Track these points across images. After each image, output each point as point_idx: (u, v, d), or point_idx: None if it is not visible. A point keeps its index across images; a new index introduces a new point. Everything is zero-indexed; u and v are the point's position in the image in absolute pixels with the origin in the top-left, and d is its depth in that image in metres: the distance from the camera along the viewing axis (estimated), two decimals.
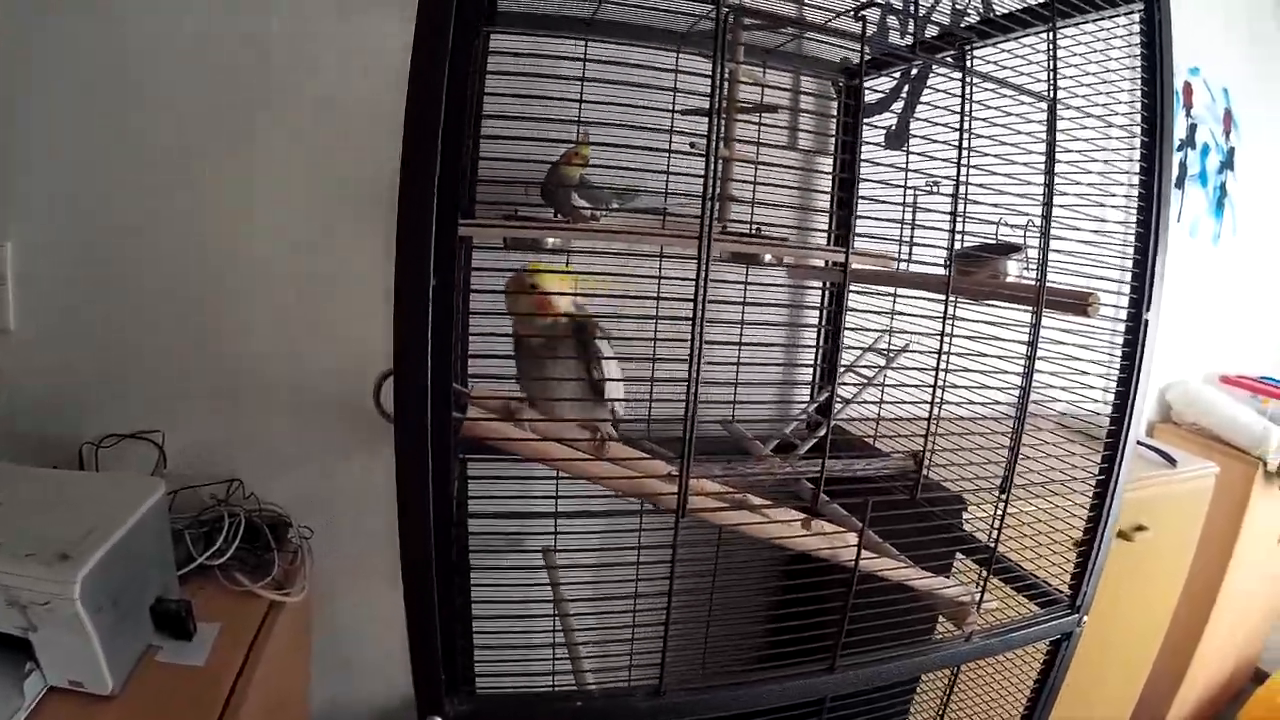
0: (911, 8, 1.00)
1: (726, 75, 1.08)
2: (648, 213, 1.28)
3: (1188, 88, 2.49)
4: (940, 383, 1.09)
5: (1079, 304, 0.99)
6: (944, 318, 0.91)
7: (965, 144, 0.94)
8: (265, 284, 1.51)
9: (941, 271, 1.20)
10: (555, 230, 1.08)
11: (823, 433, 1.23)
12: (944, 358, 1.00)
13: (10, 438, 1.39)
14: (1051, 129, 0.97)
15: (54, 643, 1.01)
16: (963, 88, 0.90)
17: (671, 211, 1.23)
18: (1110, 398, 1.20)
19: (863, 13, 0.88)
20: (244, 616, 1.24)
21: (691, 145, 1.03)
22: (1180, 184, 2.49)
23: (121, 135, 1.41)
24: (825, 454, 0.83)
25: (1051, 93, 0.97)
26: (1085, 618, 1.24)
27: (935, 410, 0.98)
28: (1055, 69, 0.98)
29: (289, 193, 1.50)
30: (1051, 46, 0.99)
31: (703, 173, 0.81)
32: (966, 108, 0.95)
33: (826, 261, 1.30)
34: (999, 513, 1.10)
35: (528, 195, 1.23)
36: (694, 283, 0.74)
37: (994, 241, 1.20)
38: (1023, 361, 1.11)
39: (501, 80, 1.19)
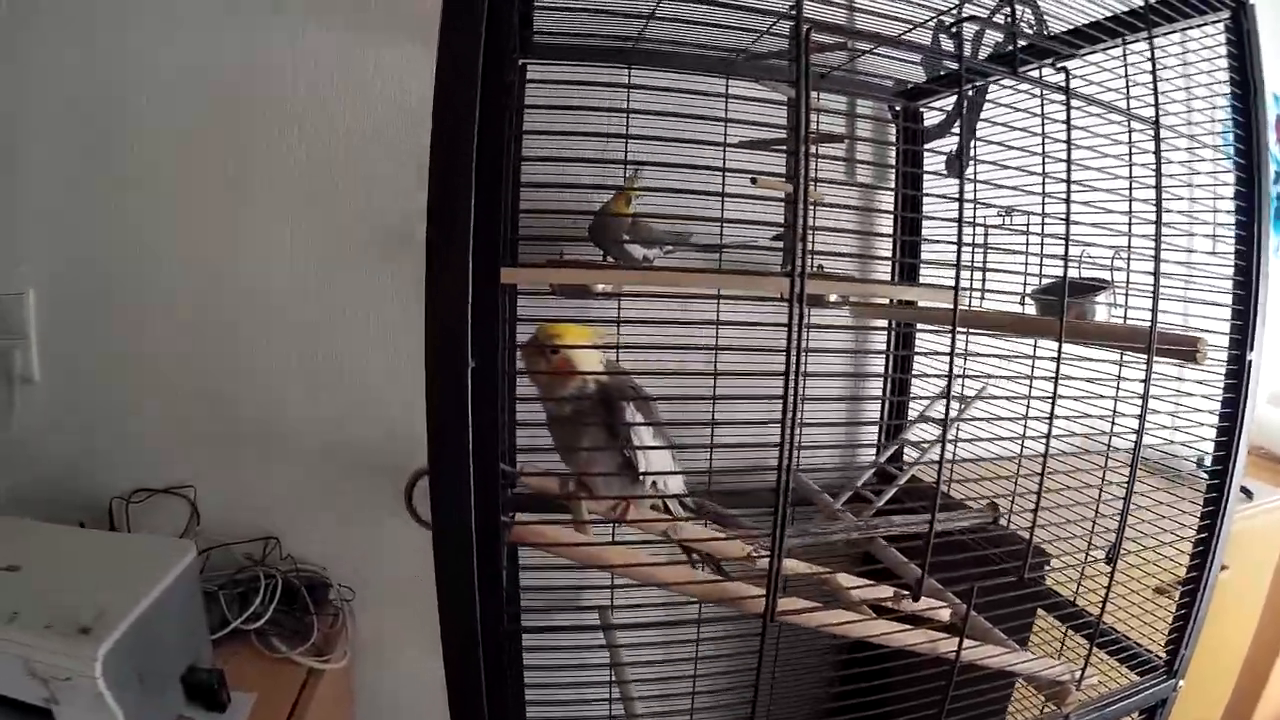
0: (1008, 20, 0.88)
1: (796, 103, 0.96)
2: (703, 254, 1.17)
3: None
4: (1030, 430, 0.97)
5: (1187, 349, 0.85)
6: (1058, 359, 0.78)
7: (1064, 172, 0.81)
8: (294, 332, 1.41)
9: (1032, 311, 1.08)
10: (609, 274, 0.96)
11: (901, 481, 1.12)
12: (1042, 405, 0.87)
13: (38, 492, 1.31)
14: (1157, 152, 0.84)
15: (77, 718, 0.92)
16: (1067, 110, 0.77)
17: (728, 254, 1.12)
18: (1183, 433, 1.07)
19: (961, 24, 0.76)
20: (281, 685, 1.15)
21: (752, 181, 0.92)
22: None
23: (135, 178, 1.33)
24: (930, 538, 0.70)
25: (1155, 113, 0.85)
26: (1182, 682, 1.09)
27: (1042, 459, 0.85)
28: (1156, 85, 0.85)
29: (313, 235, 1.40)
30: (1151, 61, 0.86)
31: (758, 211, 0.70)
32: (1061, 131, 0.83)
33: (892, 300, 1.18)
34: (1086, 577, 0.97)
35: (569, 225, 1.12)
36: (786, 329, 0.61)
37: (1076, 279, 1.07)
38: (1113, 407, 0.98)
39: (542, 115, 1.08)
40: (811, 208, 1.01)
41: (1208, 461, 1.55)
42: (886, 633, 0.75)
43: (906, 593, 0.80)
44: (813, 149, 1.02)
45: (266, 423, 1.41)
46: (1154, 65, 0.87)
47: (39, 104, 1.29)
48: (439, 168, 0.56)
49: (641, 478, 0.89)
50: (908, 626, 0.76)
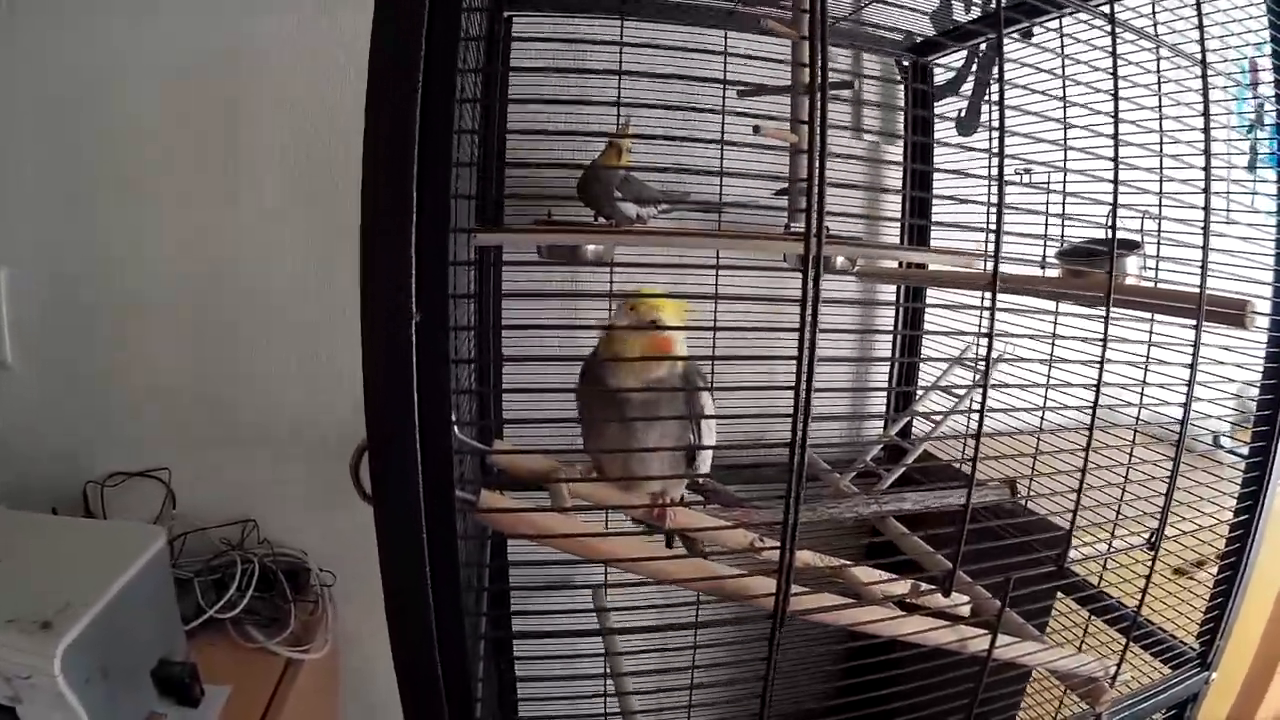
0: None
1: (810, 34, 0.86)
2: (701, 215, 1.07)
3: (1253, 64, 2.21)
4: (1051, 400, 0.87)
5: (1235, 313, 0.75)
6: (1105, 322, 0.67)
7: (1091, 121, 0.70)
8: (273, 310, 1.31)
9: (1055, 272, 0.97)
10: (599, 236, 0.84)
11: (915, 454, 1.01)
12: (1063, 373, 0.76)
13: (11, 477, 1.22)
14: (1205, 94, 0.73)
15: (41, 716, 0.83)
16: (1112, 41, 0.66)
17: (728, 214, 1.02)
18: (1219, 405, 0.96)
19: None
20: (257, 676, 1.06)
21: (755, 129, 0.81)
22: (1253, 168, 2.22)
23: (109, 157, 1.23)
24: (964, 523, 0.59)
25: (1200, 50, 0.74)
26: (1215, 674, 0.99)
27: (1088, 431, 0.73)
28: (1201, 19, 0.74)
29: (293, 218, 1.30)
30: None
31: (761, 166, 0.58)
32: (1091, 75, 0.72)
33: (902, 264, 1.08)
34: (1115, 564, 0.86)
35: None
36: (800, 300, 0.50)
37: (1104, 237, 0.96)
38: (1142, 376, 0.87)
39: (527, 67, 0.98)
40: (800, 159, 0.91)
41: (1225, 439, 1.44)
42: (917, 631, 0.64)
43: (931, 586, 0.70)
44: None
45: (246, 403, 1.31)
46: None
47: (31, 97, 1.20)
48: (377, 63, 0.45)
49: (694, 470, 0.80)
50: (942, 623, 0.66)
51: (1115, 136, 0.65)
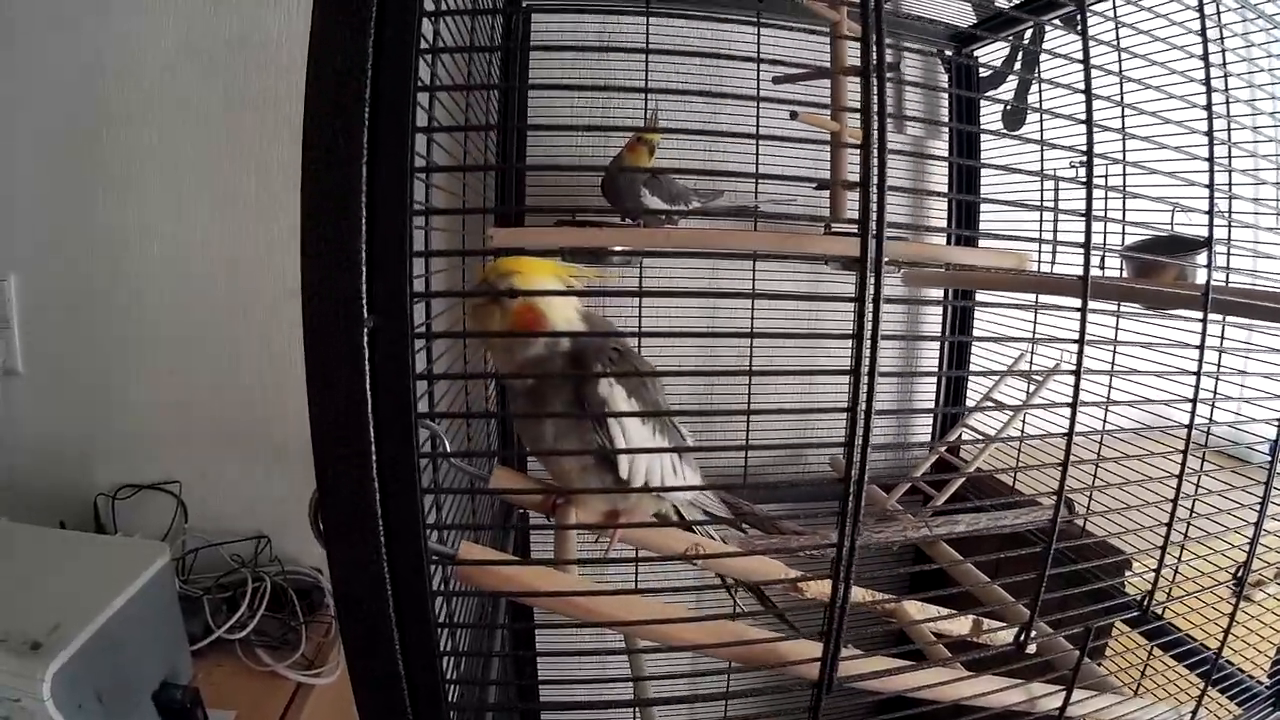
0: None
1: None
2: (736, 213, 0.97)
3: None
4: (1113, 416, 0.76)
5: None
6: (1203, 331, 0.57)
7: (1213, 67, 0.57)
8: (289, 318, 1.19)
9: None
10: (626, 236, 0.74)
11: (970, 470, 0.90)
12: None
13: (20, 489, 1.16)
14: None
15: None
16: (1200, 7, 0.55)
17: (765, 205, 0.92)
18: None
19: None
20: (265, 701, 0.97)
21: (792, 115, 0.72)
22: None
23: (126, 166, 1.16)
24: (1045, 568, 0.47)
25: None
26: None
27: (1183, 453, 0.63)
28: None
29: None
30: None
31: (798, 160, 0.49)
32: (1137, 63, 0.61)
33: (948, 265, 0.97)
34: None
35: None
36: (855, 309, 0.40)
37: (1171, 235, 0.85)
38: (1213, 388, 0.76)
39: (548, 60, 0.89)
40: (842, 152, 0.81)
41: None
42: (986, 693, 0.53)
43: (996, 624, 0.59)
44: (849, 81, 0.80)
45: (259, 415, 1.22)
46: None
47: (36, 102, 1.13)
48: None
49: (624, 485, 0.63)
50: (1013, 682, 0.54)
51: (1208, 104, 0.54)
